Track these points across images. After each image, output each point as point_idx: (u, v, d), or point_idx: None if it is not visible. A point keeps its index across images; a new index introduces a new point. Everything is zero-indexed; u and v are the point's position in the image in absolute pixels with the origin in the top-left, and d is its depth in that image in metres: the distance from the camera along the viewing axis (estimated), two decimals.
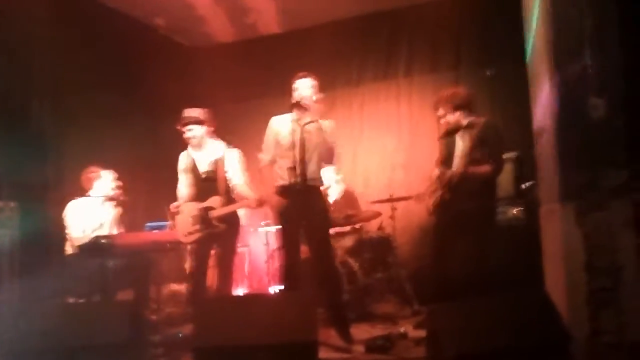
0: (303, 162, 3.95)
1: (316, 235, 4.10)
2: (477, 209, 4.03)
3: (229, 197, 4.46)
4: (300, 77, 4.12)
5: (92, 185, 4.82)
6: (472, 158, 4.04)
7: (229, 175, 4.44)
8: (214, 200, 4.35)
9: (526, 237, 4.58)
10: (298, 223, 4.08)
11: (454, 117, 4.26)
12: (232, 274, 4.61)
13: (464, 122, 4.22)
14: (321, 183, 4.24)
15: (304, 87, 4.07)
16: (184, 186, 4.59)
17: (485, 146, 4.03)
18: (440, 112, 4.35)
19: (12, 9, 4.55)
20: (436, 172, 4.35)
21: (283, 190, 4.06)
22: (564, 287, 3.05)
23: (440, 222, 4.33)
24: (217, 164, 4.45)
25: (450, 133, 4.34)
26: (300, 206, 3.98)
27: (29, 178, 4.48)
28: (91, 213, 4.76)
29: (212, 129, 4.57)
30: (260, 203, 4.30)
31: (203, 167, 4.50)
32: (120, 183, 4.90)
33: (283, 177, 4.05)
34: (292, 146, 3.98)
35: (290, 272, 4.06)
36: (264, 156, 4.20)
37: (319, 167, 4.14)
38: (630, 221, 2.97)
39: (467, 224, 4.08)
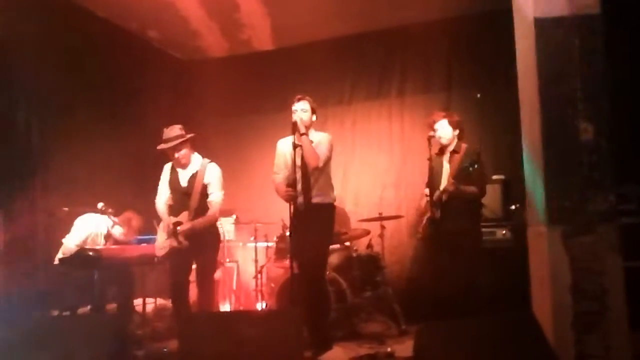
0: (303, 181, 4.03)
1: (311, 252, 4.10)
2: (464, 229, 4.12)
3: (203, 212, 4.34)
4: (298, 100, 4.17)
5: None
6: (459, 178, 4.19)
7: (208, 190, 4.36)
8: (183, 216, 4.28)
9: (513, 259, 4.60)
10: (303, 240, 4.11)
11: (449, 137, 4.36)
12: (214, 289, 4.55)
13: (454, 144, 4.34)
14: (329, 200, 4.22)
15: (300, 110, 4.13)
16: (164, 199, 4.47)
17: (470, 170, 4.17)
18: (435, 129, 4.41)
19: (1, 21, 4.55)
20: (426, 191, 4.41)
21: (294, 209, 4.09)
22: (550, 309, 3.05)
23: (429, 243, 4.38)
24: (195, 178, 4.36)
25: (441, 152, 4.44)
26: (304, 224, 4.06)
27: (16, 190, 4.47)
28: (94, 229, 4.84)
29: (192, 144, 4.48)
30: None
31: (184, 182, 4.40)
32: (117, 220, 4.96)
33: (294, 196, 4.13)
34: (293, 167, 4.06)
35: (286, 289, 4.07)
36: (276, 176, 4.28)
37: (324, 185, 4.17)
38: (616, 245, 3.00)
39: (455, 244, 4.13)
